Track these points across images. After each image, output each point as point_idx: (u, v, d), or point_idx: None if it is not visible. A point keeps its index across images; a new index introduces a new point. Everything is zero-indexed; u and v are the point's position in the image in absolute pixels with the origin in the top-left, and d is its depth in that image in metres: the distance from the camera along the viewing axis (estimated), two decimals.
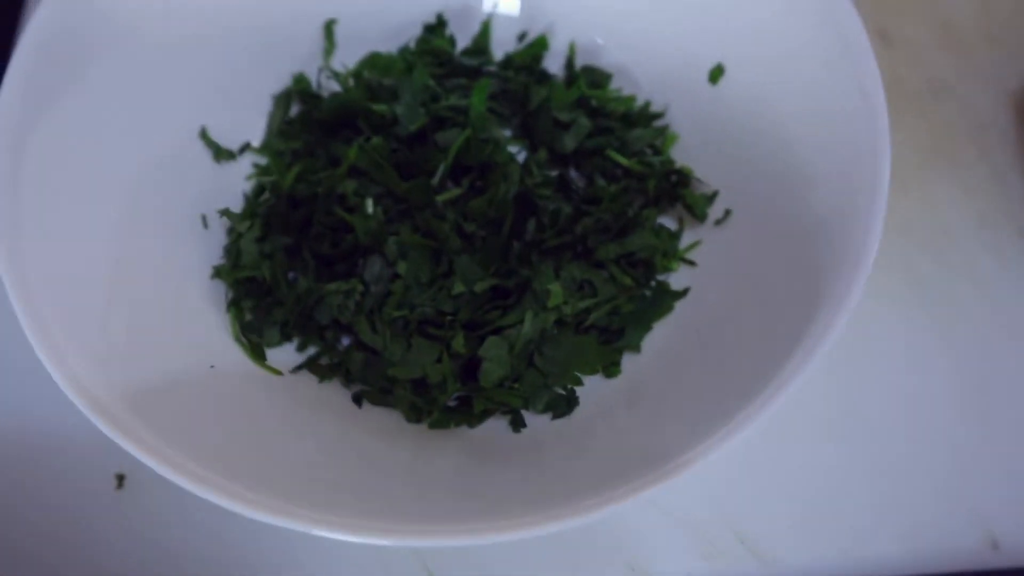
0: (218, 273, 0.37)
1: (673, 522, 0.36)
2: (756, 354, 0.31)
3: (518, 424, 0.34)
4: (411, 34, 0.43)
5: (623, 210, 0.37)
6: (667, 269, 0.37)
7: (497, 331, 0.34)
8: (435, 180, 0.37)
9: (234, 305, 0.36)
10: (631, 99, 0.41)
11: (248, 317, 0.36)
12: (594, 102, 0.41)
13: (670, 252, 0.38)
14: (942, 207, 0.42)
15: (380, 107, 0.39)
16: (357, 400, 0.35)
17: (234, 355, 0.36)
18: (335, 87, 0.42)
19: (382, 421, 0.35)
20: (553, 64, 0.43)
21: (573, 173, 0.40)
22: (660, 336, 0.36)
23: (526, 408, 0.34)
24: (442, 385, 0.34)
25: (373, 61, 0.41)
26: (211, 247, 0.38)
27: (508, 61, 0.42)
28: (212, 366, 0.34)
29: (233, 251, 0.37)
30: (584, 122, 0.39)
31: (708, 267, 0.37)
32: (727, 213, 0.37)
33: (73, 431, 0.36)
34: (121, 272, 0.34)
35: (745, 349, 0.32)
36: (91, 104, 0.35)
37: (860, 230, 0.30)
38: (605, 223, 0.37)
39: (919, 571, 0.35)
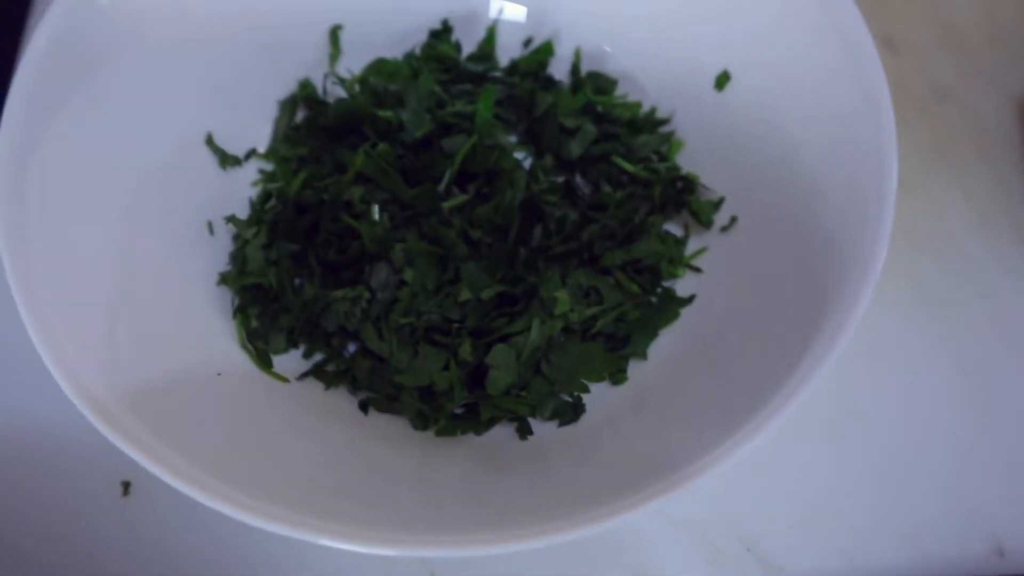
0: (224, 280, 0.37)
1: (678, 527, 0.36)
2: (764, 362, 0.31)
3: (525, 431, 0.34)
4: (416, 40, 0.43)
5: (629, 216, 0.37)
6: (673, 276, 0.38)
7: (504, 338, 0.34)
8: (441, 186, 0.37)
9: (240, 312, 0.36)
10: (637, 105, 0.41)
11: (254, 324, 0.36)
12: (600, 108, 0.41)
13: (676, 259, 0.38)
14: (944, 210, 0.42)
15: (386, 113, 0.39)
16: (363, 407, 0.35)
17: (240, 362, 0.36)
18: (341, 93, 0.42)
19: (388, 428, 0.35)
20: (558, 70, 0.43)
21: (579, 179, 0.40)
22: (666, 343, 0.36)
23: (533, 416, 0.34)
24: (449, 393, 0.34)
25: (379, 67, 0.41)
26: (217, 253, 0.38)
27: (514, 67, 0.42)
28: (219, 373, 0.34)
29: (239, 257, 0.37)
30: (590, 128, 0.39)
31: (714, 274, 0.37)
32: (733, 220, 0.37)
33: (78, 437, 0.36)
34: (127, 278, 0.34)
35: (752, 357, 0.32)
36: (97, 110, 0.35)
37: (868, 237, 0.30)
38: (611, 229, 0.37)
39: None
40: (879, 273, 0.29)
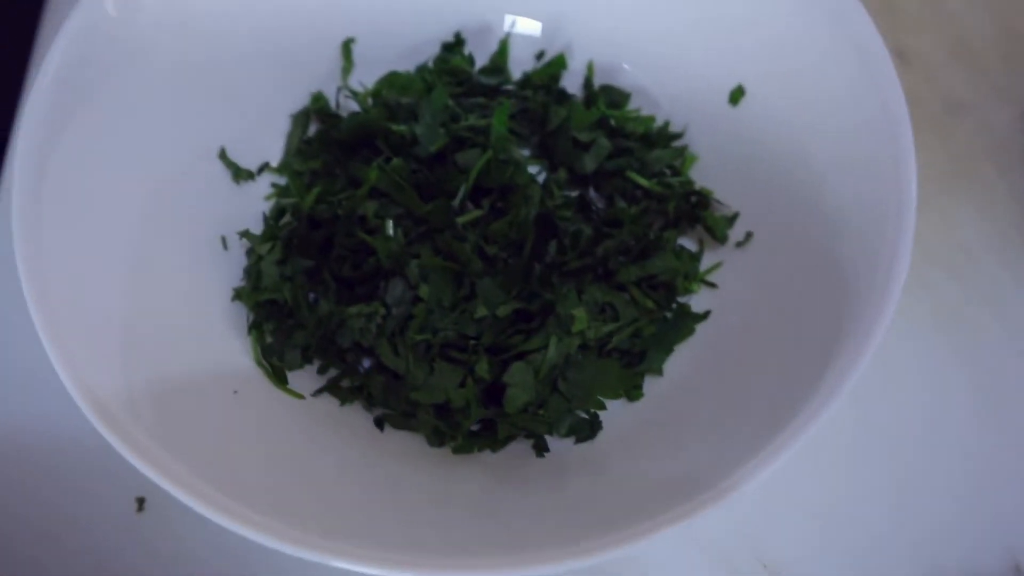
0: (238, 295, 0.37)
1: (694, 545, 0.36)
2: (782, 381, 0.31)
3: (541, 449, 0.34)
4: (429, 53, 0.43)
5: (644, 232, 0.37)
6: (688, 291, 0.37)
7: (520, 356, 0.34)
8: (456, 202, 0.37)
9: (255, 328, 0.36)
10: (650, 119, 0.41)
11: (269, 340, 0.36)
12: (613, 122, 0.41)
13: (691, 274, 0.38)
14: (959, 225, 0.42)
15: (399, 127, 0.38)
16: (379, 423, 0.35)
17: (255, 378, 0.35)
18: (353, 106, 0.42)
19: (404, 445, 0.35)
20: (571, 83, 0.43)
21: (592, 193, 0.40)
22: (682, 360, 0.36)
23: (550, 433, 0.34)
24: (465, 410, 0.34)
25: (392, 80, 0.41)
26: (231, 268, 0.38)
27: (526, 80, 0.42)
28: (235, 391, 0.34)
29: (253, 273, 0.37)
30: (604, 143, 0.39)
31: (730, 290, 0.37)
32: (748, 235, 0.37)
33: (93, 453, 0.36)
34: (141, 294, 0.34)
35: (770, 376, 0.32)
36: (111, 124, 0.35)
37: (887, 256, 0.30)
38: (626, 245, 0.37)
39: None
40: (899, 293, 0.29)
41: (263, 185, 0.40)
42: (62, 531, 0.36)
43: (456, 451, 0.34)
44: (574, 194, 0.40)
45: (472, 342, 0.35)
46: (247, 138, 0.40)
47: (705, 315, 0.37)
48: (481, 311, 0.34)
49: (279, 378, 0.35)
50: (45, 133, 0.33)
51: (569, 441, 0.35)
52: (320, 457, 0.34)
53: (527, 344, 0.34)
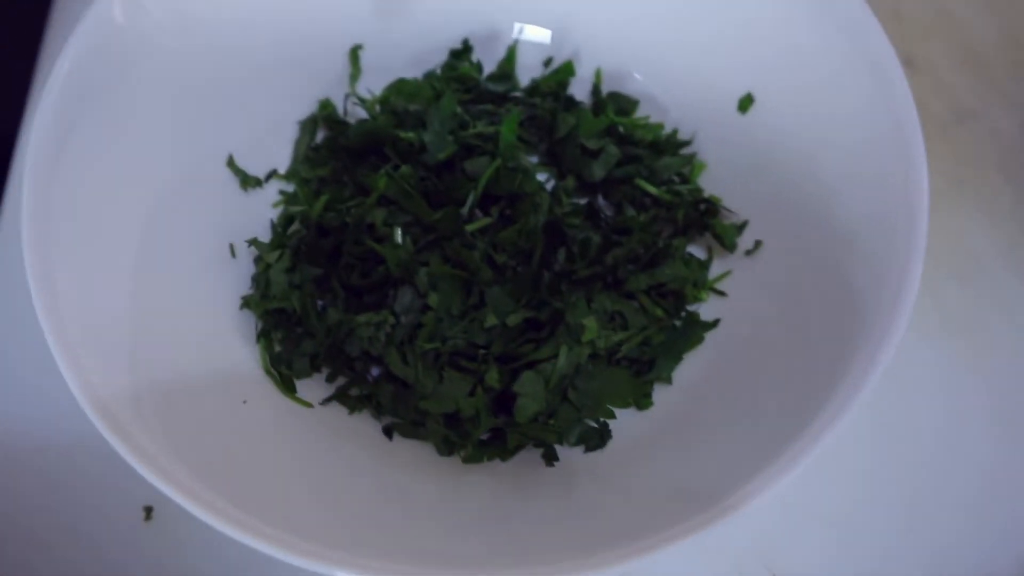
0: (247, 303, 0.37)
1: (705, 553, 0.36)
2: (794, 392, 0.31)
3: (551, 458, 0.34)
4: (437, 60, 0.43)
5: (653, 240, 0.37)
6: (697, 299, 0.37)
7: (530, 365, 0.34)
8: (464, 209, 0.37)
9: (264, 336, 0.36)
10: (659, 126, 0.41)
11: (277, 348, 0.36)
12: (622, 129, 0.40)
13: (700, 282, 0.37)
14: (968, 233, 0.42)
15: (408, 135, 0.38)
16: (388, 432, 0.35)
17: (263, 387, 0.35)
18: (361, 113, 0.42)
19: (413, 453, 0.35)
20: (579, 90, 0.43)
21: (601, 201, 0.40)
22: (691, 368, 0.36)
23: (559, 443, 0.34)
24: (475, 419, 0.34)
25: (400, 87, 0.41)
26: (239, 275, 0.38)
27: (534, 87, 0.42)
28: (244, 401, 0.34)
29: (262, 281, 0.37)
30: (613, 151, 0.39)
31: (739, 298, 0.37)
32: (758, 244, 0.37)
33: (101, 461, 0.36)
34: (149, 301, 0.34)
35: (782, 386, 0.32)
36: (119, 131, 0.35)
37: (898, 267, 0.30)
38: (635, 253, 0.37)
39: None
40: (912, 306, 0.29)
41: (271, 192, 0.40)
42: (69, 539, 0.36)
43: (466, 461, 0.34)
44: (582, 201, 0.40)
45: (482, 351, 0.34)
46: (255, 145, 0.40)
47: (714, 323, 0.37)
48: (491, 320, 0.34)
49: (288, 387, 0.35)
50: (55, 139, 0.33)
51: (578, 450, 0.35)
52: (328, 466, 0.34)
53: (537, 353, 0.34)
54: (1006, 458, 0.37)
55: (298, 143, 0.41)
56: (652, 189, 0.39)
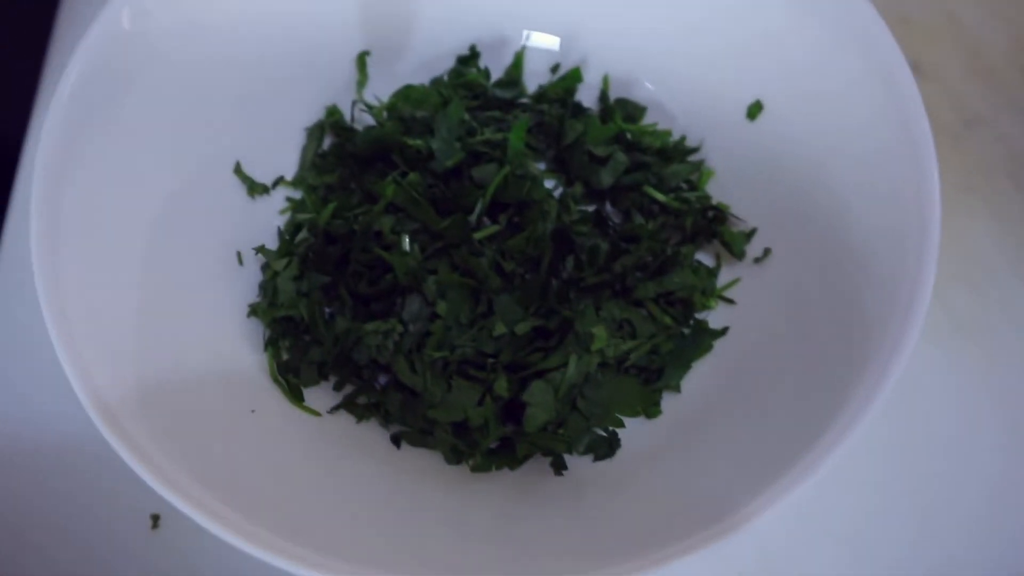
0: (254, 311, 0.37)
1: (710, 564, 0.36)
2: (805, 403, 0.31)
3: (560, 467, 0.34)
4: (444, 66, 0.43)
5: (661, 248, 0.37)
6: (705, 307, 0.37)
7: (539, 373, 0.34)
8: (473, 217, 0.37)
9: (271, 344, 0.36)
10: (667, 134, 0.41)
11: (285, 356, 0.36)
12: (629, 136, 0.40)
13: (708, 290, 0.37)
14: (977, 240, 0.42)
15: (415, 142, 0.38)
16: (396, 441, 0.35)
17: (270, 395, 0.35)
18: (368, 119, 0.42)
19: (421, 462, 0.35)
20: (585, 96, 0.42)
21: (608, 208, 0.40)
22: (701, 377, 0.36)
23: (569, 452, 0.34)
24: (484, 428, 0.33)
25: (407, 94, 0.41)
26: (246, 282, 0.38)
27: (542, 94, 0.42)
28: (253, 411, 0.34)
29: (269, 289, 0.37)
30: (621, 158, 0.39)
31: (748, 306, 0.37)
32: (767, 252, 0.37)
33: (108, 469, 0.36)
34: (156, 310, 0.34)
35: (792, 396, 0.32)
36: (126, 138, 0.35)
37: (910, 277, 0.30)
38: (643, 261, 0.37)
39: None
40: (924, 315, 0.29)
41: (277, 199, 0.40)
42: (76, 547, 0.36)
43: (475, 470, 0.34)
44: (590, 209, 0.39)
45: (490, 360, 0.34)
46: (261, 152, 0.40)
47: (723, 331, 0.37)
48: (500, 328, 0.34)
49: (295, 395, 0.35)
50: (64, 147, 0.32)
51: (587, 459, 0.34)
52: (336, 475, 0.33)
53: (546, 362, 0.34)
54: (1015, 464, 0.37)
55: (305, 150, 0.41)
56: (660, 196, 0.38)
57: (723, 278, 0.38)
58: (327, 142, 0.41)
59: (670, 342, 0.36)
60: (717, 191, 0.40)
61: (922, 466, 0.37)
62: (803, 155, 0.37)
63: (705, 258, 0.39)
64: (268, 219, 0.40)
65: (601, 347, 0.33)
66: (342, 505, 0.32)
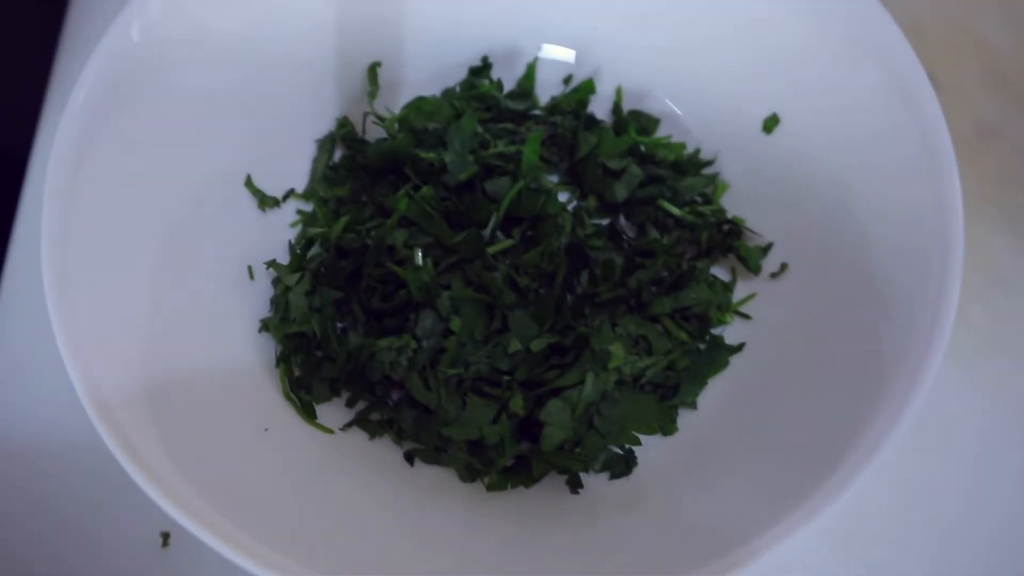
0: (266, 326, 0.36)
1: None
2: (824, 421, 0.30)
3: (576, 485, 0.34)
4: (456, 77, 0.42)
5: (676, 262, 0.37)
6: (721, 322, 0.37)
7: (555, 391, 0.33)
8: (487, 231, 0.36)
9: (283, 361, 0.36)
10: (681, 146, 0.40)
11: (297, 373, 0.36)
12: (643, 149, 0.40)
13: (724, 305, 0.37)
14: (995, 255, 0.41)
15: (428, 155, 0.38)
16: (409, 458, 0.35)
17: (282, 412, 0.35)
18: (379, 131, 0.41)
19: (435, 480, 0.34)
20: (598, 107, 0.42)
21: (622, 221, 0.40)
22: (717, 393, 0.35)
23: (585, 471, 0.34)
24: (500, 447, 0.33)
25: (419, 105, 0.40)
26: (257, 295, 0.37)
27: (554, 106, 0.42)
28: (266, 429, 0.33)
29: (281, 304, 0.36)
30: (636, 171, 0.38)
31: (765, 322, 0.36)
32: (783, 267, 0.37)
33: (117, 485, 0.35)
34: (166, 324, 0.34)
35: (811, 415, 0.31)
36: (136, 151, 0.35)
37: (934, 293, 0.30)
38: (659, 276, 0.36)
39: None
40: (949, 335, 0.28)
41: (288, 212, 0.40)
42: (85, 564, 0.35)
43: (490, 488, 0.34)
44: (604, 222, 0.39)
45: (505, 377, 0.34)
46: (272, 164, 0.39)
47: (739, 347, 0.36)
48: (515, 345, 0.34)
49: (308, 413, 0.35)
50: (74, 161, 0.32)
51: (603, 477, 0.34)
52: (349, 493, 0.33)
53: (562, 380, 0.33)
54: None
55: (316, 162, 0.41)
56: (675, 210, 0.38)
57: (739, 293, 0.38)
58: (338, 154, 0.41)
59: (686, 358, 0.35)
60: (732, 205, 0.39)
61: (941, 484, 0.37)
62: (821, 169, 0.36)
63: (720, 273, 0.39)
64: (279, 232, 0.39)
65: (618, 365, 0.33)
66: (355, 523, 0.32)
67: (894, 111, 0.33)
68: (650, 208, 0.39)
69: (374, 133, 0.41)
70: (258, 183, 0.39)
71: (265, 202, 0.39)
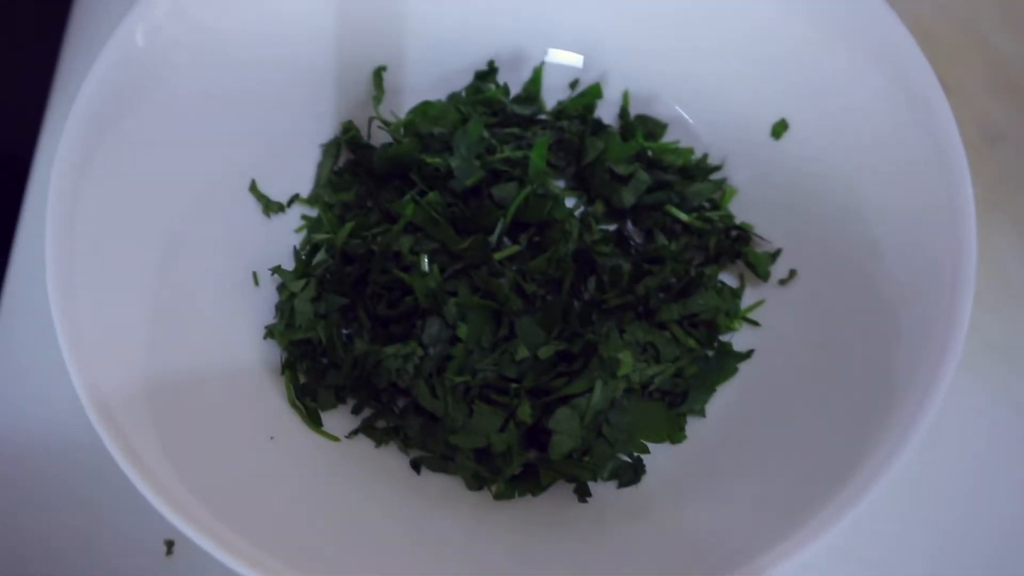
0: (271, 333, 0.36)
1: None
2: (834, 436, 0.30)
3: (584, 494, 0.33)
4: (462, 81, 0.42)
5: (684, 269, 0.36)
6: (730, 329, 0.37)
7: (563, 399, 0.33)
8: (493, 237, 0.36)
9: (288, 368, 0.35)
10: (689, 151, 0.40)
11: (303, 380, 0.35)
12: (651, 154, 0.40)
13: (732, 311, 0.37)
14: (1004, 261, 0.41)
15: (434, 160, 0.38)
16: (416, 466, 0.34)
17: (287, 419, 0.35)
18: (384, 135, 0.41)
19: (441, 488, 0.34)
20: (605, 112, 0.42)
21: (630, 227, 0.39)
22: (726, 401, 0.35)
23: (593, 479, 0.33)
24: (507, 455, 0.33)
25: (425, 110, 0.40)
26: (262, 301, 0.37)
27: (561, 110, 0.41)
28: (272, 437, 0.33)
29: (286, 311, 0.36)
30: (643, 177, 0.38)
31: (774, 329, 0.36)
32: (792, 273, 0.36)
33: (121, 492, 0.35)
34: (170, 331, 0.34)
35: (820, 424, 0.31)
36: (140, 156, 0.34)
37: (946, 299, 0.29)
38: (667, 282, 0.36)
39: None
40: (962, 345, 0.28)
41: (293, 217, 0.39)
42: (86, 565, 0.35)
43: (497, 497, 0.33)
44: (611, 228, 0.39)
45: (513, 384, 0.34)
46: (276, 168, 0.39)
47: (748, 354, 0.36)
48: (522, 352, 0.33)
49: (314, 420, 0.34)
50: (78, 166, 0.32)
51: (611, 486, 0.34)
52: (355, 501, 0.33)
53: (570, 387, 0.33)
54: None
55: (321, 166, 0.40)
56: (683, 216, 0.38)
57: (747, 299, 0.38)
58: (343, 159, 0.41)
59: (694, 365, 0.35)
60: (740, 210, 0.39)
61: (946, 489, 0.36)
62: (830, 174, 0.36)
63: (729, 279, 0.38)
64: (283, 237, 0.39)
65: (627, 372, 0.33)
66: (360, 532, 0.32)
67: (903, 115, 0.33)
68: (658, 214, 0.38)
69: (379, 138, 0.41)
70: (262, 188, 0.39)
71: (270, 207, 0.38)
